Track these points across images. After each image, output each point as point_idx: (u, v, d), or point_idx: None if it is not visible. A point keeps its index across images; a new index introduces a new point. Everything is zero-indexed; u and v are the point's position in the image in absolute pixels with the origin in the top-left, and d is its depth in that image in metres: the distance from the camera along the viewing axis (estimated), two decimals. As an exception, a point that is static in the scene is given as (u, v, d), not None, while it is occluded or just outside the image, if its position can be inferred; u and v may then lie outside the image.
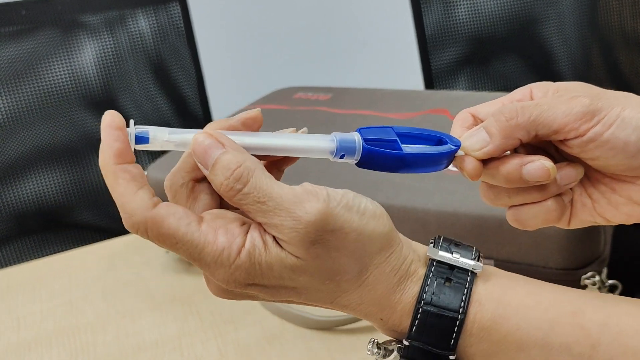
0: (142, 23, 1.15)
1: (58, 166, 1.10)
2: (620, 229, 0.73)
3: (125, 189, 0.35)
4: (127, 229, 0.36)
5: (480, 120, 0.44)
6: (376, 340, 0.39)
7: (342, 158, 0.40)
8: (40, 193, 1.09)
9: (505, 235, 0.65)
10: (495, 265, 0.41)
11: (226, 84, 1.24)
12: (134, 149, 0.37)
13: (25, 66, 1.07)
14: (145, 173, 0.84)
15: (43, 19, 1.08)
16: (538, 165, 0.40)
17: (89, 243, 0.99)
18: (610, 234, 0.71)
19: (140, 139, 0.37)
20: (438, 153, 0.41)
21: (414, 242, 0.40)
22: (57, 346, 0.74)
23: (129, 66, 1.14)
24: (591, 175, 0.43)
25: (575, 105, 0.39)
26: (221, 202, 0.40)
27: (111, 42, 1.12)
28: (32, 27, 1.07)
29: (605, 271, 0.68)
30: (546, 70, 1.17)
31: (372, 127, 0.41)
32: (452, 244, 0.39)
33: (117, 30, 1.13)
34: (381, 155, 0.39)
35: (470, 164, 0.41)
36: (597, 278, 0.65)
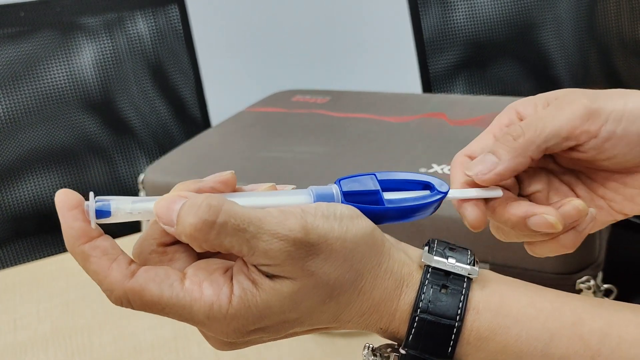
0: (141, 25, 1.15)
1: (55, 168, 1.10)
2: (615, 234, 0.73)
3: (97, 266, 0.34)
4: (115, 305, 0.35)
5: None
6: (371, 346, 0.38)
7: None
8: (38, 195, 1.09)
9: (501, 240, 0.65)
10: (491, 270, 0.40)
11: (224, 86, 1.24)
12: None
13: (23, 68, 1.07)
14: (142, 176, 0.84)
15: (42, 21, 1.08)
16: (542, 220, 0.39)
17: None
18: (606, 239, 0.71)
19: (102, 213, 0.34)
20: (423, 204, 0.39)
21: (403, 243, 0.39)
22: (54, 347, 0.74)
23: (127, 68, 1.14)
24: (596, 177, 0.43)
25: (576, 108, 0.39)
26: (199, 256, 0.38)
27: (110, 45, 1.13)
28: (30, 29, 1.07)
29: (600, 275, 0.68)
30: (544, 74, 1.18)
31: (353, 177, 0.39)
32: (447, 247, 0.38)
33: (116, 33, 1.13)
34: (362, 210, 0.37)
35: (473, 213, 0.40)
36: (592, 282, 0.65)
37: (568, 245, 0.41)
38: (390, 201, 0.38)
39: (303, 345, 0.70)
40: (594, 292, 0.65)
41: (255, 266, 0.34)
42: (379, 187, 0.38)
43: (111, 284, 0.34)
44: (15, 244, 1.09)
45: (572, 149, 0.40)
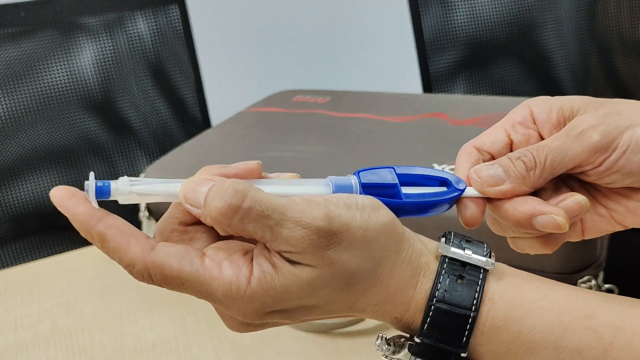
0: (141, 25, 1.15)
1: (56, 168, 1.10)
2: (616, 233, 0.73)
3: (116, 243, 0.34)
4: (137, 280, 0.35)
5: (485, 152, 0.43)
6: (385, 336, 0.38)
7: None
8: (39, 194, 1.09)
9: (502, 239, 0.65)
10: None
11: (225, 86, 1.24)
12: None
13: (23, 68, 1.07)
14: (143, 176, 0.84)
15: (42, 21, 1.08)
16: (550, 220, 0.39)
17: (87, 245, 0.99)
18: (607, 238, 0.71)
19: (102, 192, 0.34)
20: (439, 200, 0.39)
21: (421, 235, 0.39)
22: (55, 347, 0.74)
23: (127, 68, 1.14)
24: (600, 187, 0.43)
25: (586, 143, 0.39)
26: (219, 238, 0.38)
27: (110, 45, 1.13)
28: (30, 29, 1.07)
29: (601, 275, 0.68)
30: (544, 74, 1.18)
31: (372, 169, 0.39)
32: (464, 239, 0.38)
33: (116, 33, 1.13)
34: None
35: (470, 210, 0.40)
36: (593, 282, 0.66)
37: (550, 244, 0.42)
38: (407, 195, 0.39)
39: (303, 345, 0.70)
40: (595, 292, 0.65)
41: (277, 252, 0.34)
42: (397, 181, 0.39)
43: (132, 259, 0.34)
44: (16, 243, 1.09)
45: (575, 171, 0.41)
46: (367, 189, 0.38)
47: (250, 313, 0.35)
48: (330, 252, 0.34)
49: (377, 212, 0.36)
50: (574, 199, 0.40)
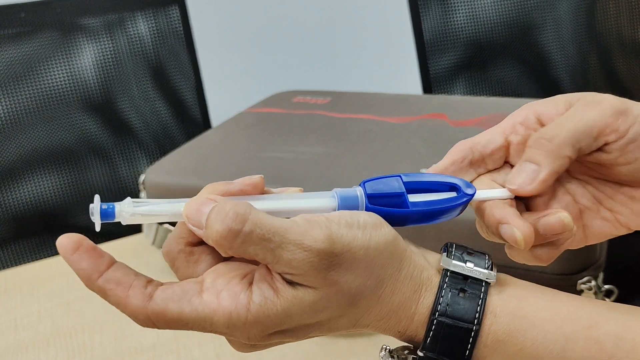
0: (142, 26, 1.15)
1: (56, 168, 1.10)
2: (616, 234, 0.73)
3: (115, 298, 0.35)
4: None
5: (478, 152, 0.43)
6: (388, 348, 0.38)
7: None
8: (39, 195, 1.09)
9: (499, 244, 0.65)
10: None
11: (225, 87, 1.24)
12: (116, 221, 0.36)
13: (24, 68, 1.07)
14: (143, 177, 0.84)
15: (42, 22, 1.08)
16: (509, 231, 0.38)
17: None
18: (606, 240, 0.71)
19: (107, 215, 0.35)
20: (448, 207, 0.39)
21: (422, 248, 0.39)
22: (54, 347, 0.74)
23: (128, 69, 1.14)
24: (605, 189, 0.42)
25: (606, 107, 0.38)
26: (224, 258, 0.38)
27: (110, 45, 1.13)
28: (31, 30, 1.07)
29: (601, 276, 0.68)
30: (544, 75, 1.18)
31: (378, 178, 0.38)
32: (465, 252, 0.38)
33: (117, 34, 1.13)
34: (385, 213, 0.37)
35: (522, 231, 0.38)
36: (593, 283, 0.66)
37: (543, 258, 0.40)
38: (415, 204, 0.38)
39: (304, 346, 0.70)
40: (595, 293, 0.66)
41: (279, 274, 0.34)
42: (403, 190, 0.38)
43: (132, 311, 0.35)
44: (16, 244, 1.10)
45: (598, 149, 0.39)
46: (373, 199, 0.37)
47: (254, 336, 0.35)
48: (333, 274, 0.34)
49: (379, 230, 0.36)
50: (558, 216, 0.38)
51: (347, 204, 0.37)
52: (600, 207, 0.42)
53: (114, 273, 0.35)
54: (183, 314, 0.34)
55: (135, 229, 0.88)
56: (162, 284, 0.36)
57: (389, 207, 0.37)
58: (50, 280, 0.87)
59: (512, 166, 0.43)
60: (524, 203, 0.42)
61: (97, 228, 0.36)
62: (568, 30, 1.15)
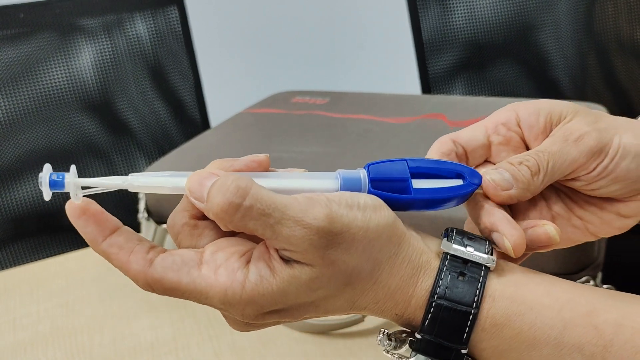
0: (140, 27, 1.15)
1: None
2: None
3: (119, 262, 0.36)
4: None
5: (461, 146, 0.43)
6: (386, 331, 0.38)
7: None
8: (38, 196, 1.09)
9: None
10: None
11: (224, 87, 1.24)
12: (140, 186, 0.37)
13: (23, 69, 1.07)
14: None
15: (41, 22, 1.08)
16: (499, 240, 0.39)
17: (86, 246, 0.99)
18: (605, 240, 0.71)
19: (55, 185, 0.36)
20: (452, 195, 0.39)
21: (424, 234, 0.39)
22: (53, 347, 0.74)
23: (126, 70, 1.14)
24: (577, 199, 0.43)
25: (584, 148, 0.40)
26: (225, 233, 0.39)
27: (109, 46, 1.13)
28: (30, 31, 1.07)
29: (599, 276, 0.68)
30: (542, 75, 1.18)
31: (383, 162, 0.38)
32: (466, 237, 0.38)
33: (115, 34, 1.13)
34: (387, 198, 0.37)
35: (512, 240, 0.38)
36: (591, 283, 0.66)
37: (515, 261, 0.41)
38: (418, 190, 0.38)
39: (302, 346, 0.70)
40: (593, 293, 0.66)
41: (277, 251, 0.35)
42: (408, 175, 0.38)
43: (133, 276, 0.36)
44: (15, 244, 1.09)
45: (566, 179, 0.41)
46: (376, 182, 0.37)
47: (248, 314, 0.35)
48: (331, 252, 0.34)
49: (378, 212, 0.36)
50: (544, 229, 0.39)
51: (349, 186, 0.37)
52: (572, 216, 0.43)
53: (117, 237, 0.36)
54: (181, 285, 0.35)
55: (134, 228, 0.88)
56: (164, 251, 0.36)
57: (392, 192, 0.37)
58: (50, 281, 0.87)
59: (493, 164, 0.44)
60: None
61: (47, 197, 0.36)
62: (567, 30, 1.15)
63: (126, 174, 0.38)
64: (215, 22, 1.23)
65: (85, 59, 1.11)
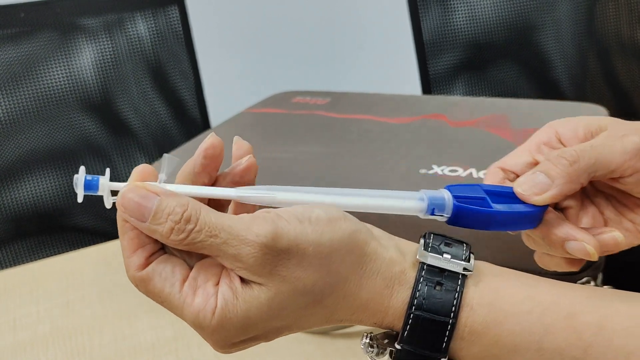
0: (141, 26, 1.15)
1: (55, 169, 1.10)
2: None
3: (125, 246, 0.37)
4: None
5: (510, 171, 0.44)
6: (370, 334, 0.38)
7: (433, 214, 0.39)
8: (37, 196, 1.09)
9: (500, 242, 0.65)
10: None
11: (224, 88, 1.24)
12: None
13: (23, 69, 1.07)
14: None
15: (41, 22, 1.08)
16: (580, 247, 0.40)
17: (86, 246, 0.99)
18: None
19: (90, 186, 0.38)
20: (529, 212, 0.40)
21: (397, 238, 0.39)
22: (53, 348, 0.74)
23: (127, 70, 1.14)
24: (627, 202, 0.43)
25: (628, 144, 0.40)
26: None
27: (110, 46, 1.13)
28: (30, 30, 1.07)
29: (600, 277, 0.68)
30: (543, 76, 1.18)
31: (460, 185, 0.40)
32: (443, 242, 0.38)
33: (116, 34, 1.13)
34: (472, 212, 0.38)
35: (592, 245, 0.40)
36: (592, 284, 0.66)
37: (576, 264, 0.43)
38: (497, 207, 0.40)
39: (303, 346, 0.70)
40: (594, 293, 0.66)
41: (234, 272, 0.35)
42: (485, 195, 0.40)
43: (128, 266, 0.36)
44: (15, 244, 1.09)
45: (613, 179, 0.41)
46: (460, 200, 0.39)
47: (217, 342, 0.36)
48: (280, 269, 0.34)
49: (333, 225, 0.36)
50: (612, 235, 0.40)
51: (435, 203, 0.39)
52: (623, 219, 0.44)
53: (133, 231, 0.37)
54: (162, 293, 0.36)
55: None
56: (164, 254, 0.37)
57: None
58: (50, 281, 0.87)
59: None
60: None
61: (80, 199, 0.37)
62: (567, 31, 1.15)
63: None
64: (216, 22, 1.23)
65: (86, 58, 1.11)
